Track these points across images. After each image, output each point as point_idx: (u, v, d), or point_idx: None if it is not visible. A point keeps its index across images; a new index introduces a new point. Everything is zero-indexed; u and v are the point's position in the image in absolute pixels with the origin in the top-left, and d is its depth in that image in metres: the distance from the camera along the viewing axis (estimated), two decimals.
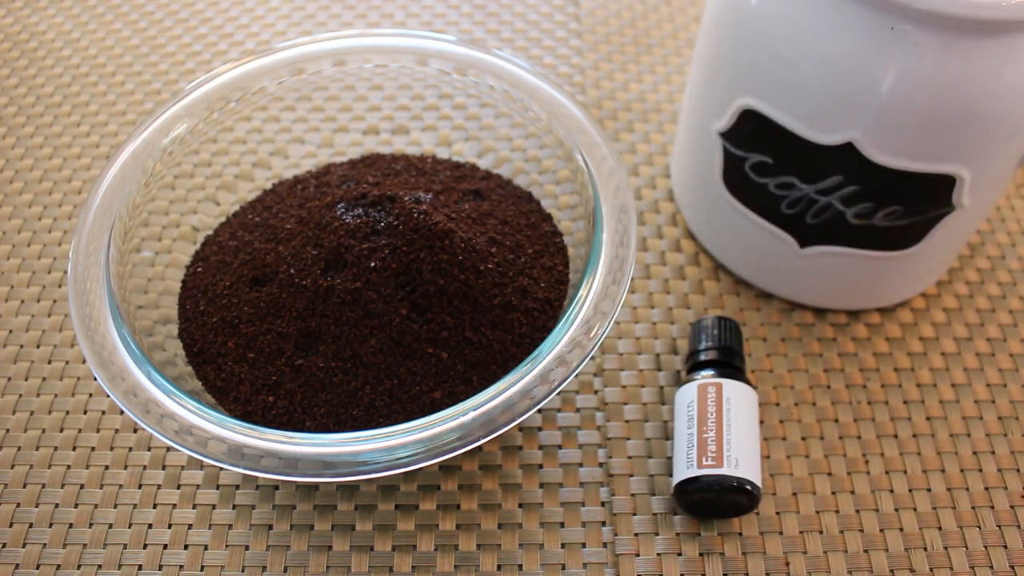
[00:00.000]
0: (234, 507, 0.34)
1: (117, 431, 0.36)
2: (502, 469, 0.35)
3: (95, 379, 0.37)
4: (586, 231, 0.34)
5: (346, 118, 0.42)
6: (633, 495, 0.35)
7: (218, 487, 0.34)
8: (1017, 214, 0.45)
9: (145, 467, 0.35)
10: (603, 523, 0.34)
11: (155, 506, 0.34)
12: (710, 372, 0.35)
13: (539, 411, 0.37)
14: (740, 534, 0.34)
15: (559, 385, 0.28)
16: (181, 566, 0.33)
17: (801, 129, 0.33)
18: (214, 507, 0.34)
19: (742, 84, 0.34)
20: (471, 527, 0.34)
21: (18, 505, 0.34)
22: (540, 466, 0.35)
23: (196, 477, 0.35)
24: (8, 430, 0.36)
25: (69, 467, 0.35)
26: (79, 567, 0.32)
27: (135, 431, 0.36)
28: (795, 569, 0.33)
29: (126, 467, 0.35)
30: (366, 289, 0.31)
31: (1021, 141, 0.32)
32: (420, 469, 0.30)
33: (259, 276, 0.33)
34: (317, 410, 0.30)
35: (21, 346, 0.39)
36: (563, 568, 0.33)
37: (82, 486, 0.34)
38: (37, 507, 0.34)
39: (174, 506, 0.34)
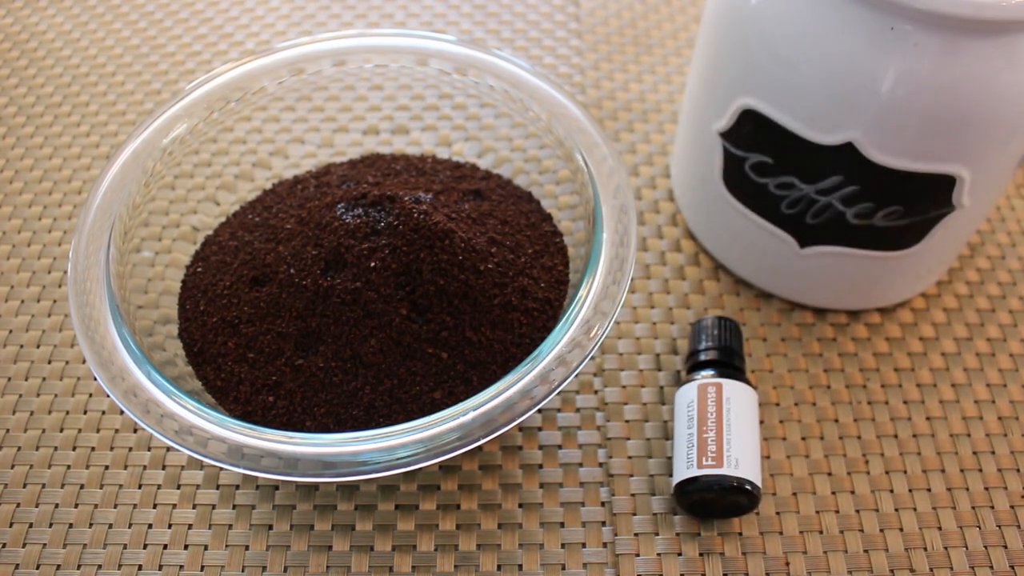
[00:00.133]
0: (234, 507, 0.34)
1: (117, 431, 0.36)
2: (502, 469, 0.35)
3: (95, 379, 0.37)
4: (586, 231, 0.34)
5: (346, 118, 0.42)
6: (633, 495, 0.35)
7: (218, 487, 0.34)
8: (1017, 214, 0.45)
9: (145, 467, 0.35)
10: (603, 523, 0.34)
11: (155, 506, 0.34)
12: (710, 372, 0.35)
13: (539, 411, 0.37)
14: (740, 534, 0.34)
15: (559, 385, 0.28)
16: (181, 566, 0.33)
17: (801, 129, 0.33)
18: (214, 507, 0.34)
19: (742, 84, 0.34)
20: (471, 527, 0.34)
21: (18, 505, 0.34)
22: (540, 466, 0.35)
23: (196, 477, 0.35)
24: (8, 430, 0.36)
25: (69, 467, 0.35)
26: (79, 567, 0.32)
27: (135, 431, 0.36)
28: (795, 569, 0.33)
29: (126, 467, 0.35)
30: (366, 289, 0.31)
31: (1021, 141, 0.32)
32: (420, 469, 0.30)
33: (259, 276, 0.33)
34: (317, 410, 0.30)
35: (21, 346, 0.39)
36: (563, 568, 0.33)
37: (82, 486, 0.34)
38: (37, 507, 0.34)
39: (174, 506, 0.34)
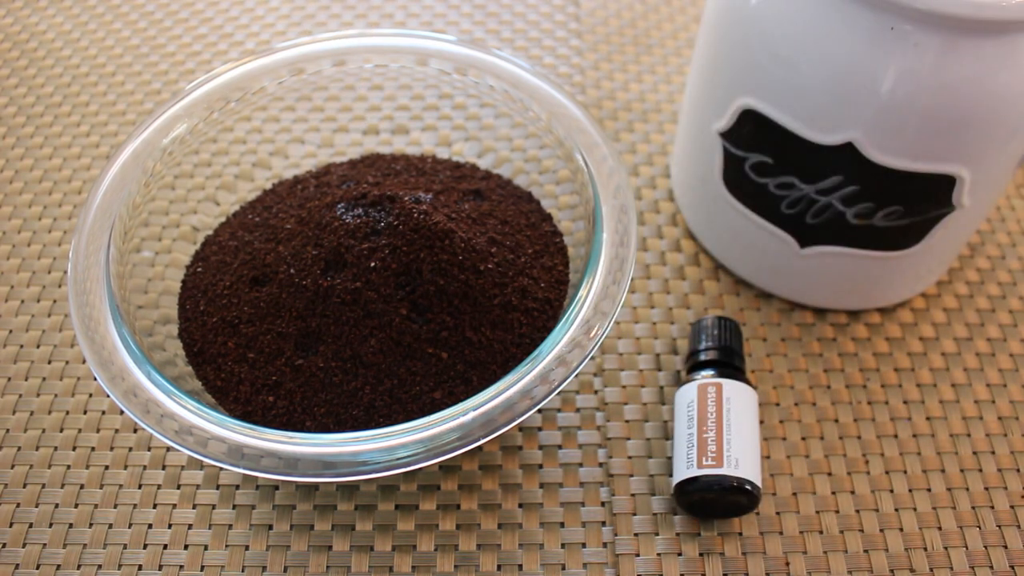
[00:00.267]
0: (234, 507, 0.34)
1: (117, 431, 0.36)
2: (502, 469, 0.35)
3: (95, 379, 0.37)
4: (586, 231, 0.34)
5: (346, 118, 0.42)
6: (633, 495, 0.35)
7: (218, 487, 0.34)
8: (1017, 214, 0.45)
9: (145, 467, 0.35)
10: (603, 523, 0.34)
11: (155, 506, 0.34)
12: (710, 372, 0.35)
13: (539, 411, 0.37)
14: (740, 534, 0.34)
15: (559, 385, 0.28)
16: (181, 566, 0.33)
17: (801, 129, 0.33)
18: (214, 507, 0.34)
19: (742, 84, 0.34)
20: (471, 527, 0.34)
21: (18, 505, 0.34)
22: (540, 466, 0.35)
23: (196, 477, 0.35)
24: (8, 430, 0.36)
25: (69, 467, 0.35)
26: (79, 567, 0.32)
27: (135, 431, 0.36)
28: (795, 569, 0.33)
29: (126, 467, 0.35)
30: (366, 289, 0.31)
31: (1021, 141, 0.32)
32: (420, 469, 0.30)
33: (259, 276, 0.33)
34: (317, 410, 0.30)
35: (21, 346, 0.39)
36: (563, 568, 0.33)
37: (82, 486, 0.34)
38: (37, 507, 0.34)
39: (174, 506, 0.34)
